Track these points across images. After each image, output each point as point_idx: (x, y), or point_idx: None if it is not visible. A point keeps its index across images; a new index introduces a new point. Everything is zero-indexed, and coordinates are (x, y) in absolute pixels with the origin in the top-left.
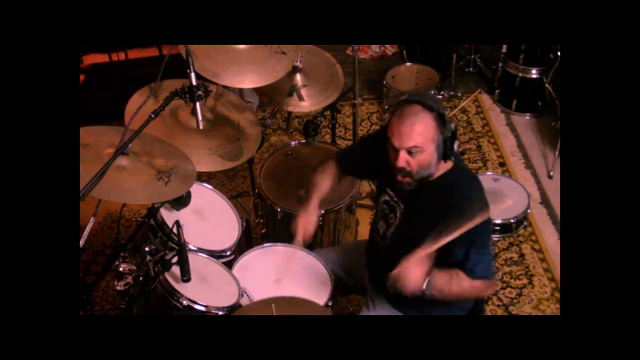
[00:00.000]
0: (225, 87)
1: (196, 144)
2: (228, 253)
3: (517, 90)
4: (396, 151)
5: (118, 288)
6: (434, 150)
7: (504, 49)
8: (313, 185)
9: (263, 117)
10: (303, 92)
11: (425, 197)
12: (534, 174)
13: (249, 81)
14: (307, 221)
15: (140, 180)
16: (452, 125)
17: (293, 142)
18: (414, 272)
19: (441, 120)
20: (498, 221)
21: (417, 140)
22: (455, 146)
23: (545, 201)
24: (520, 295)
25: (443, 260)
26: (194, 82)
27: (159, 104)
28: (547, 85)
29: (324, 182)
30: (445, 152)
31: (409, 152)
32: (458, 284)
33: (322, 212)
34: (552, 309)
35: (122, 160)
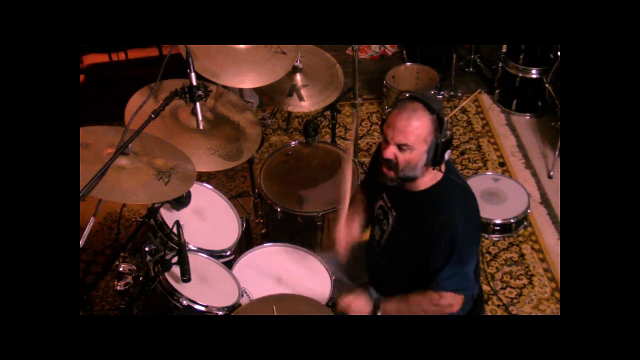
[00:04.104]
0: (225, 87)
1: (196, 144)
2: (228, 253)
3: (517, 90)
4: (387, 143)
5: (118, 288)
6: (424, 151)
7: (504, 49)
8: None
9: (263, 117)
10: (303, 92)
11: (413, 207)
12: (534, 174)
13: (249, 81)
14: (349, 234)
15: (140, 180)
16: (449, 133)
17: (293, 142)
18: (355, 305)
19: (439, 124)
20: (498, 221)
21: (409, 138)
22: (447, 155)
23: (545, 201)
24: (520, 295)
25: (420, 267)
26: (194, 82)
27: (159, 104)
28: (547, 85)
29: (357, 211)
30: (435, 157)
31: (399, 148)
32: (418, 307)
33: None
34: (552, 309)
35: (122, 160)
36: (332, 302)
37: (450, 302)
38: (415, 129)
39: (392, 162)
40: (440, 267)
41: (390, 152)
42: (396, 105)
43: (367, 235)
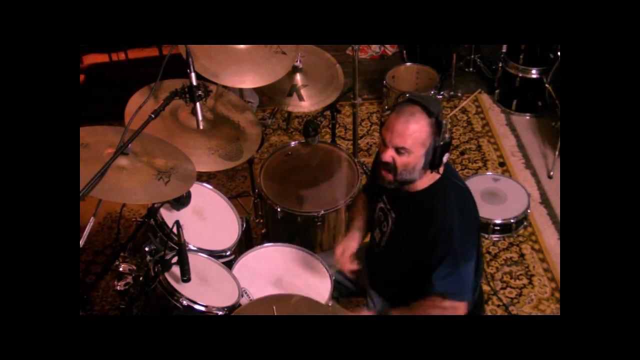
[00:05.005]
0: (225, 87)
1: (196, 144)
2: (228, 253)
3: (517, 90)
4: (385, 146)
5: (118, 288)
6: (422, 155)
7: (504, 49)
8: (350, 221)
9: (263, 117)
10: (303, 92)
11: (412, 208)
12: (534, 174)
13: (249, 81)
14: (346, 244)
15: (140, 180)
16: (447, 136)
17: (293, 142)
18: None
19: (437, 128)
20: (498, 221)
21: (407, 141)
22: (445, 158)
23: (545, 201)
24: (520, 295)
25: (419, 269)
26: (194, 82)
27: (159, 104)
28: (547, 85)
29: (357, 214)
30: (433, 160)
31: (397, 151)
32: (419, 311)
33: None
34: (552, 309)
35: (122, 160)
36: (332, 303)
37: (448, 309)
38: (413, 132)
39: (390, 165)
40: (435, 266)
41: (389, 155)
42: (394, 108)
43: (367, 238)
